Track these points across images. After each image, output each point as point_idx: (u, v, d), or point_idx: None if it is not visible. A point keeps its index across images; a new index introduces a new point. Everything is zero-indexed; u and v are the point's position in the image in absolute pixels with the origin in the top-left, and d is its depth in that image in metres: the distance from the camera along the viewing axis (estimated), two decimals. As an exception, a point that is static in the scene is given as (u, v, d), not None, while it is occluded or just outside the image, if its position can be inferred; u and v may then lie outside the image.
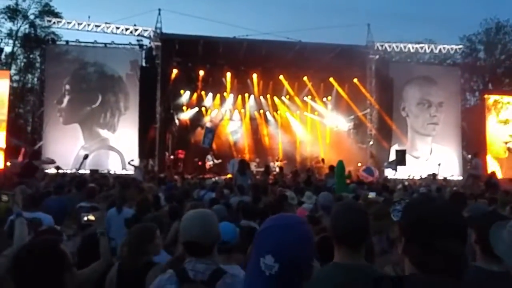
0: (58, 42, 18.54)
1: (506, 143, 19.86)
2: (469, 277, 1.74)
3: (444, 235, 1.24)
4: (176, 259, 2.60)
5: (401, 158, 16.04)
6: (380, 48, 19.17)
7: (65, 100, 17.09)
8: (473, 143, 19.86)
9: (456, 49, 20.66)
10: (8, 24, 22.62)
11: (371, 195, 7.35)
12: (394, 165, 16.42)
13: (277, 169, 17.46)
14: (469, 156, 18.03)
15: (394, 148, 18.39)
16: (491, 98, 20.59)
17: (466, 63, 24.01)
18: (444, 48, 20.27)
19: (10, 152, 15.91)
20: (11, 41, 22.63)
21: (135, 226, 3.06)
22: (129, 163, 14.18)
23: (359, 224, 1.94)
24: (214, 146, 19.49)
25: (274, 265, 1.28)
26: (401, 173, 17.11)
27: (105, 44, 17.81)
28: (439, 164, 16.39)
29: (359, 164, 18.36)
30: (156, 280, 2.01)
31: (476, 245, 2.20)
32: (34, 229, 3.44)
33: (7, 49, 22.40)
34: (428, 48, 20.25)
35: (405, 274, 1.32)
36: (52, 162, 12.76)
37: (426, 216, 1.28)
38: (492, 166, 18.85)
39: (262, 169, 16.56)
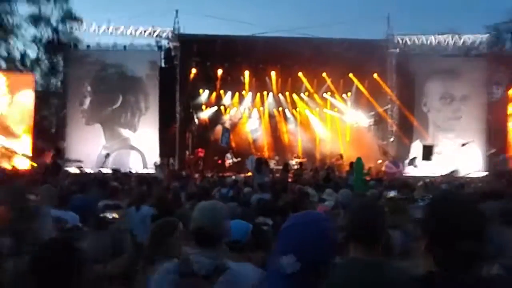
0: (79, 47, 18.95)
1: None
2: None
3: (465, 235, 1.25)
4: None
5: (428, 153, 15.71)
6: (400, 41, 18.80)
7: (87, 101, 17.48)
8: (498, 138, 19.30)
9: (481, 39, 19.93)
10: (33, 30, 23.27)
11: (392, 193, 7.20)
12: (414, 162, 16.14)
13: (296, 166, 17.36)
14: (492, 152, 17.57)
15: (416, 143, 18.12)
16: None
17: (492, 53, 23.23)
18: (468, 38, 19.57)
19: (37, 154, 16.35)
20: (35, 46, 23.26)
21: (157, 221, 3.10)
22: (154, 164, 14.37)
23: (375, 221, 1.91)
24: (233, 144, 19.58)
25: (296, 264, 1.29)
26: (422, 169, 16.79)
27: (125, 46, 18.10)
28: (463, 145, 15.79)
29: (379, 161, 18.14)
30: (162, 267, 2.05)
31: None
32: (58, 228, 3.52)
33: (32, 55, 23.03)
34: (452, 39, 19.58)
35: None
36: (78, 161, 13.06)
37: (447, 216, 1.30)
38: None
39: (281, 167, 16.52)
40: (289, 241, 1.35)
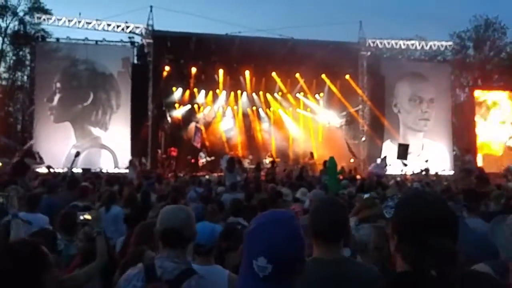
0: (48, 40, 18.29)
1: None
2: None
3: (436, 232, 1.24)
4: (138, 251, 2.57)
5: (403, 152, 15.99)
6: (371, 44, 19.24)
7: (56, 98, 16.87)
8: (462, 138, 20.09)
9: (446, 45, 20.79)
10: (-3, 21, 22.36)
11: (366, 196, 7.26)
12: (385, 160, 16.44)
13: (269, 165, 17.42)
14: (459, 152, 18.28)
15: (387, 143, 18.57)
16: (480, 97, 20.75)
17: (456, 59, 24.22)
18: (434, 44, 20.38)
19: (0, 150, 15.76)
20: (0, 39, 22.37)
21: (139, 225, 3.07)
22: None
23: (336, 219, 1.95)
24: (207, 143, 19.47)
25: (267, 266, 1.25)
26: (393, 168, 17.20)
27: (96, 41, 17.61)
28: (426, 161, 16.55)
29: (352, 160, 18.49)
30: (126, 274, 1.99)
31: None
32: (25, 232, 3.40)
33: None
34: (419, 44, 20.34)
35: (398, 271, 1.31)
36: (41, 162, 12.63)
37: (418, 213, 1.28)
38: (481, 162, 19.02)
39: (254, 166, 16.57)
40: (258, 243, 1.29)
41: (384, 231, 2.60)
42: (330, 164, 10.42)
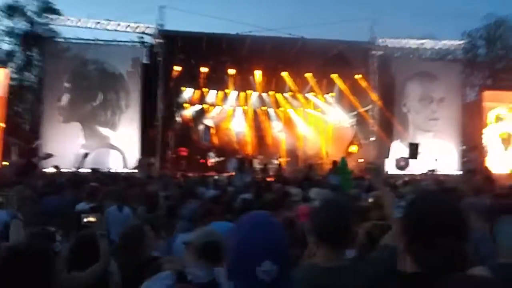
0: (57, 40, 18.35)
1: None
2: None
3: (445, 232, 1.23)
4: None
5: (414, 151, 15.89)
6: (382, 44, 19.07)
7: (65, 98, 16.91)
8: (472, 138, 19.88)
9: (457, 45, 20.56)
10: (7, 22, 22.50)
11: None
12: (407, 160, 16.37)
13: (276, 166, 17.38)
14: (464, 149, 18.08)
15: (396, 143, 18.45)
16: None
17: (467, 58, 23.94)
18: (445, 44, 20.17)
19: (7, 151, 15.81)
20: (9, 39, 22.53)
21: (125, 228, 3.06)
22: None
23: (341, 221, 1.86)
24: (217, 143, 19.43)
25: (273, 268, 1.22)
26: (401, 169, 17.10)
27: (106, 41, 17.67)
28: (436, 160, 16.38)
29: (361, 160, 18.36)
30: (155, 276, 2.01)
31: None
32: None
33: (6, 47, 22.30)
34: (430, 44, 20.13)
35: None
36: (49, 156, 12.62)
37: (427, 214, 1.29)
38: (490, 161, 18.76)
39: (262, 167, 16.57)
40: (260, 248, 1.24)
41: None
42: (342, 164, 10.32)
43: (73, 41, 17.61)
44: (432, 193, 2.12)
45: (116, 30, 17.37)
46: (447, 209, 1.29)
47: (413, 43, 19.78)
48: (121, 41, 17.79)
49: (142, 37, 17.69)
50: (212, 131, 19.71)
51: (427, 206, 1.32)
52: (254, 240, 1.26)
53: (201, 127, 19.79)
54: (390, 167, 17.92)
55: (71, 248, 2.78)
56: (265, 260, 1.21)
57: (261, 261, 1.22)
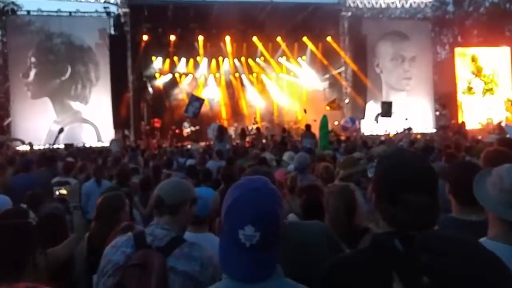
0: (19, 13, 17.57)
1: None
2: (442, 227, 1.67)
3: (411, 188, 1.21)
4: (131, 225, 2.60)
5: (387, 109, 16.07)
6: (352, 5, 18.98)
7: (32, 73, 16.41)
8: (444, 96, 20.30)
9: (426, 3, 20.59)
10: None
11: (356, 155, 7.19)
12: (377, 118, 16.64)
13: (254, 132, 17.42)
14: (438, 107, 18.56)
15: (370, 104, 18.71)
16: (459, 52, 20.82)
17: (436, 16, 24.06)
18: (414, 2, 20.18)
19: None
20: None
21: (104, 197, 3.03)
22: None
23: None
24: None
25: (255, 235, 1.24)
26: (377, 128, 17.47)
27: (70, 13, 17.03)
28: (406, 119, 16.75)
29: (336, 123, 18.60)
30: (114, 241, 1.97)
31: (451, 196, 2.21)
32: None
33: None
34: (399, 2, 20.11)
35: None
36: (20, 141, 12.42)
37: (392, 169, 1.26)
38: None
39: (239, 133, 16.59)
40: (244, 212, 1.27)
41: (337, 191, 2.55)
42: (322, 122, 10.53)
43: (35, 13, 16.88)
44: (399, 150, 2.06)
45: (79, 1, 16.72)
46: (412, 165, 1.26)
47: (382, 2, 19.73)
48: (86, 12, 17.16)
49: (107, 7, 17.07)
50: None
51: (392, 163, 1.29)
52: (242, 204, 1.29)
53: (181, 97, 19.35)
54: (366, 128, 18.30)
55: (38, 224, 2.77)
56: (248, 224, 1.24)
57: (245, 225, 1.24)
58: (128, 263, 1.81)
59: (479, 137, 11.25)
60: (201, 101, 13.71)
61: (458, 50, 21.00)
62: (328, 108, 17.27)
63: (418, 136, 15.70)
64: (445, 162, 4.95)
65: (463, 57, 20.40)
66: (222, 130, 11.41)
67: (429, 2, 20.86)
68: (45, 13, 16.93)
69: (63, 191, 3.09)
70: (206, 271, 1.85)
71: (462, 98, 20.10)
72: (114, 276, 1.82)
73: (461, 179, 2.10)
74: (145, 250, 1.84)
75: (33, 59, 16.40)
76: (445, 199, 2.58)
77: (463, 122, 17.15)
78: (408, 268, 1.11)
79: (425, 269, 1.07)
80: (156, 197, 1.98)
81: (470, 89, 20.04)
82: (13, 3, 18.69)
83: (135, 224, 2.81)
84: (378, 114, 16.71)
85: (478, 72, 20.12)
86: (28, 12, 17.10)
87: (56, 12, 16.96)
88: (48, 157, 7.27)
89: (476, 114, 19.59)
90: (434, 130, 18.72)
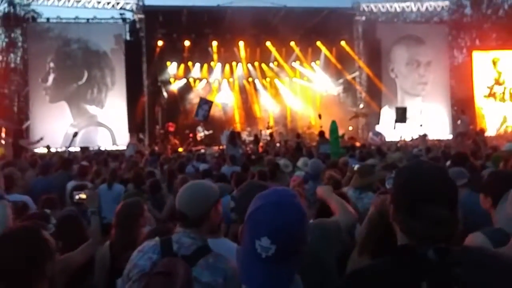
0: (39, 20, 18.07)
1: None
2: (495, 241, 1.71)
3: (431, 200, 1.18)
4: (163, 228, 2.57)
5: (401, 115, 15.86)
6: (366, 9, 18.87)
7: (50, 78, 16.87)
8: (461, 101, 19.93)
9: (442, 6, 20.33)
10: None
11: (371, 161, 7.05)
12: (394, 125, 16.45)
13: (268, 137, 17.41)
14: (456, 113, 18.21)
15: (385, 109, 18.50)
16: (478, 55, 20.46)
17: (453, 19, 23.73)
18: (430, 5, 19.96)
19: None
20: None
21: (123, 204, 3.03)
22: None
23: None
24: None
25: (271, 247, 1.23)
26: (392, 134, 17.22)
27: (88, 19, 17.43)
28: (421, 125, 16.49)
29: (350, 128, 18.46)
30: (142, 246, 1.98)
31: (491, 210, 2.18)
32: (18, 213, 3.35)
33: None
34: (415, 6, 19.91)
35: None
36: (39, 140, 12.64)
37: (411, 181, 1.24)
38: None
39: (252, 138, 16.58)
40: (261, 224, 1.27)
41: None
42: (332, 127, 10.42)
43: (54, 20, 17.33)
44: (420, 161, 1.99)
45: (96, 8, 17.10)
46: (431, 177, 1.23)
47: (397, 6, 19.56)
48: (102, 19, 17.52)
49: (123, 13, 17.42)
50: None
51: (411, 174, 1.27)
52: (261, 215, 1.28)
53: (193, 101, 19.45)
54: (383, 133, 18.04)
55: (54, 231, 2.73)
56: (264, 236, 1.24)
57: (261, 236, 1.24)
58: (154, 270, 1.81)
59: (496, 144, 10.99)
60: (210, 103, 13.77)
61: (476, 54, 20.65)
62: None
63: (435, 143, 15.42)
64: (452, 165, 4.76)
65: (482, 61, 20.04)
66: (234, 136, 11.44)
67: (446, 5, 20.60)
68: (63, 20, 17.41)
69: (83, 196, 3.12)
70: (229, 284, 1.83)
71: (481, 103, 19.72)
72: (139, 282, 1.83)
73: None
74: (170, 258, 1.84)
75: (51, 64, 16.86)
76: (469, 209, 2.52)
77: (481, 129, 16.77)
78: (440, 280, 1.10)
79: (458, 281, 1.06)
80: (178, 213, 1.97)
81: (493, 94, 19.64)
82: (33, 11, 19.19)
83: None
84: (395, 120, 16.52)
85: (498, 76, 19.77)
86: (48, 19, 17.62)
87: (74, 19, 17.41)
88: (65, 160, 7.38)
89: (497, 119, 19.23)
90: (450, 137, 18.39)
